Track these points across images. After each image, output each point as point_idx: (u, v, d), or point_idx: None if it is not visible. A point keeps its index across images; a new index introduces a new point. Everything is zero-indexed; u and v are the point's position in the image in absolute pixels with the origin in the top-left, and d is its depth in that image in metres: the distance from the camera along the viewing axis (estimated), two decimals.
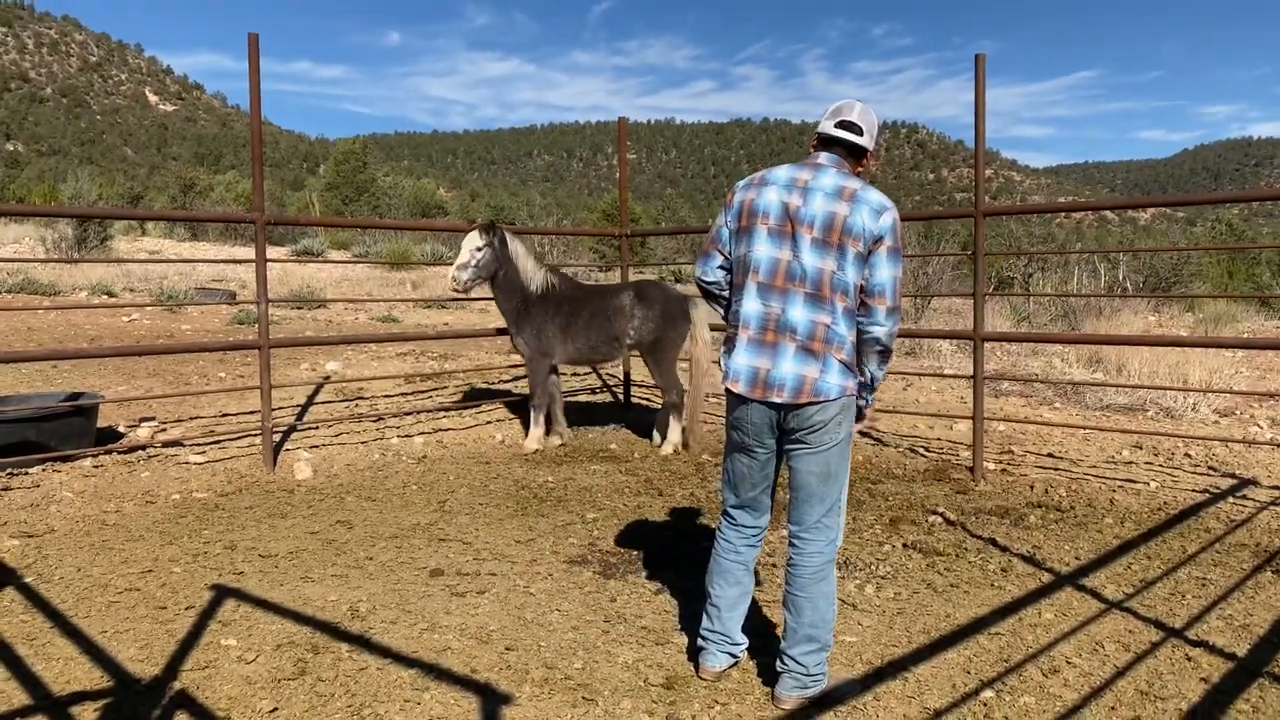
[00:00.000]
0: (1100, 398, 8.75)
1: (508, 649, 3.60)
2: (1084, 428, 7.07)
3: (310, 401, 8.21)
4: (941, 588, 4.32)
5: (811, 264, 3.07)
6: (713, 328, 7.26)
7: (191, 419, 7.39)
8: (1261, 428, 7.69)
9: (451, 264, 7.10)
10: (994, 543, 4.97)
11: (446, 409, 8.27)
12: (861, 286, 3.11)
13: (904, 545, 4.94)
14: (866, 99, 3.32)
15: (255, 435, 6.77)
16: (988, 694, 3.24)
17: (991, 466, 6.57)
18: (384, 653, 3.53)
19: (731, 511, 3.39)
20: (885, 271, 3.10)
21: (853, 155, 3.22)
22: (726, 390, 3.22)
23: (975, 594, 4.23)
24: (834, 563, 3.24)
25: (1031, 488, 6.11)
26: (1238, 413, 8.35)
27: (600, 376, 10.29)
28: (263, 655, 3.51)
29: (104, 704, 3.12)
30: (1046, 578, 4.43)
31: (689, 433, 7.21)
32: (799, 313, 3.08)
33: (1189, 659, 3.52)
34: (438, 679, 3.34)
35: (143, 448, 6.46)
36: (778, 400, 3.09)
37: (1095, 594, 4.20)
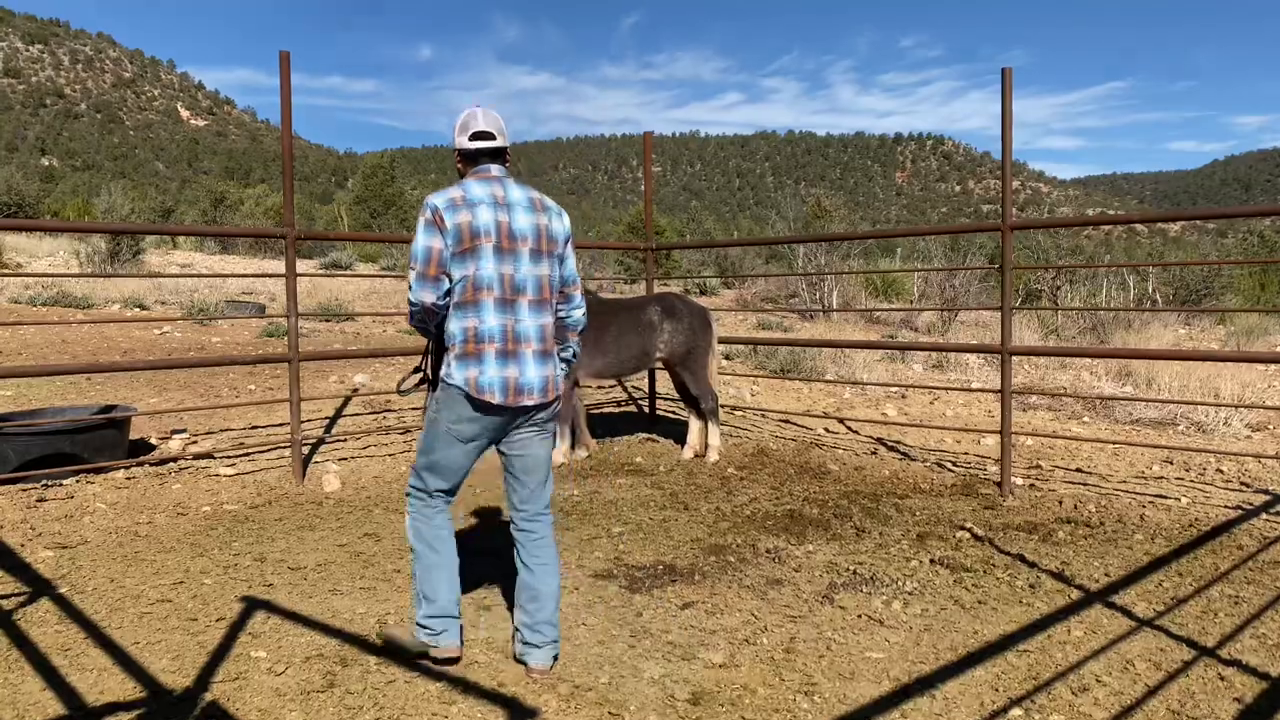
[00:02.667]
0: (1130, 412, 8.66)
1: None
2: (1113, 442, 7.00)
3: (339, 414, 8.29)
4: (969, 604, 4.29)
5: (532, 273, 3.46)
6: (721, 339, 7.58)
7: (222, 431, 7.49)
8: None
9: None
10: (1022, 559, 4.93)
11: None
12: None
13: (931, 561, 4.91)
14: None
15: (284, 447, 6.85)
16: (1016, 712, 3.22)
17: (1020, 481, 6.52)
18: (412, 666, 3.56)
19: (437, 496, 3.61)
20: (573, 262, 3.68)
21: (502, 157, 3.57)
22: (471, 399, 3.37)
23: (1003, 611, 4.20)
24: None
25: (1060, 503, 6.05)
26: (1270, 427, 8.24)
27: (626, 389, 10.31)
28: (292, 667, 3.54)
29: (136, 715, 3.17)
30: (1076, 594, 4.39)
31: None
32: (529, 320, 3.46)
33: (1222, 678, 3.47)
34: (465, 692, 3.36)
35: (174, 460, 6.56)
36: (529, 403, 3.44)
37: (1126, 611, 4.16)
